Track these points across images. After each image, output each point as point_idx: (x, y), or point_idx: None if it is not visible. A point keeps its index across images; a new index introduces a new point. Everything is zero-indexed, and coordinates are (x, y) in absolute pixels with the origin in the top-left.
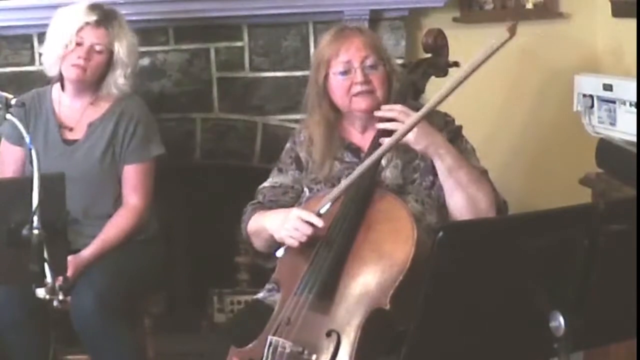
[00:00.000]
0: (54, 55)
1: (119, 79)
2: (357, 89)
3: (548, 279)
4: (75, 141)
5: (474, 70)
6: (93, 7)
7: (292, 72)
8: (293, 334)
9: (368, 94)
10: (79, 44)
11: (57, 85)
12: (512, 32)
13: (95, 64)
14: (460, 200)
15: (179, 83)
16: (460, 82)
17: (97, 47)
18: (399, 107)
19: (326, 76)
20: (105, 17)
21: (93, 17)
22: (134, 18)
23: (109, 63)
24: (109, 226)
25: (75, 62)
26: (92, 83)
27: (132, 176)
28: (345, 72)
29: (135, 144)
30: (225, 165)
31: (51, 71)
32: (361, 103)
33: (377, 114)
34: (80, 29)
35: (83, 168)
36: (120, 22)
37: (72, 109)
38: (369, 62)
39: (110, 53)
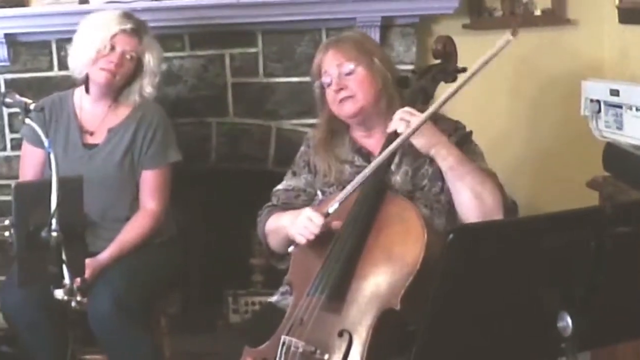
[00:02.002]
0: (86, 57)
1: (146, 87)
2: (338, 96)
3: (556, 280)
4: (95, 145)
5: (477, 71)
6: (127, 16)
7: (306, 77)
8: (306, 333)
9: (349, 99)
10: (112, 49)
11: (80, 89)
12: (514, 33)
13: (124, 70)
14: (466, 200)
15: (194, 88)
16: (465, 83)
17: (128, 55)
18: (406, 108)
19: (322, 88)
20: (138, 27)
21: (128, 25)
22: (151, 25)
23: (136, 71)
24: (127, 229)
25: (106, 67)
26: (116, 88)
27: (149, 181)
28: (330, 84)
29: (154, 150)
30: (240, 168)
31: (79, 73)
32: (344, 109)
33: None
34: (114, 35)
35: (102, 172)
36: (149, 34)
37: (93, 113)
38: (344, 69)
39: (138, 61)
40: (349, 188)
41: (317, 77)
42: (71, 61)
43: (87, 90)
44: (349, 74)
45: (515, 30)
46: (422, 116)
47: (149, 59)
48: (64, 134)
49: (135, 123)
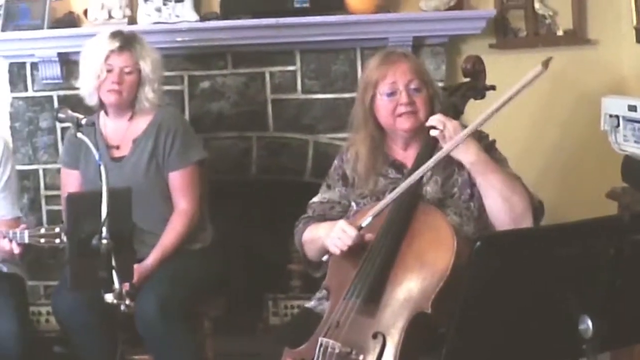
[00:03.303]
0: (90, 86)
1: (148, 94)
2: (401, 109)
3: (577, 285)
4: (122, 158)
5: (509, 100)
6: (114, 35)
7: (341, 94)
8: (342, 335)
9: (411, 114)
10: (109, 71)
11: (101, 112)
12: (546, 65)
13: (129, 85)
14: (497, 204)
15: (236, 104)
16: (497, 110)
17: (126, 69)
18: (438, 115)
19: (373, 97)
20: (126, 42)
21: (116, 44)
22: (195, 44)
23: (139, 81)
24: (165, 233)
25: (111, 88)
26: (130, 102)
27: (177, 182)
28: (391, 94)
29: (176, 151)
30: (279, 180)
31: (91, 101)
32: (405, 123)
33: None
34: (107, 57)
35: (132, 181)
36: (141, 43)
37: (115, 129)
38: (413, 85)
39: (139, 72)
40: (383, 204)
41: (374, 86)
42: (81, 92)
43: (106, 113)
44: (417, 90)
45: (547, 62)
46: (460, 135)
47: (144, 67)
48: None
49: (155, 130)
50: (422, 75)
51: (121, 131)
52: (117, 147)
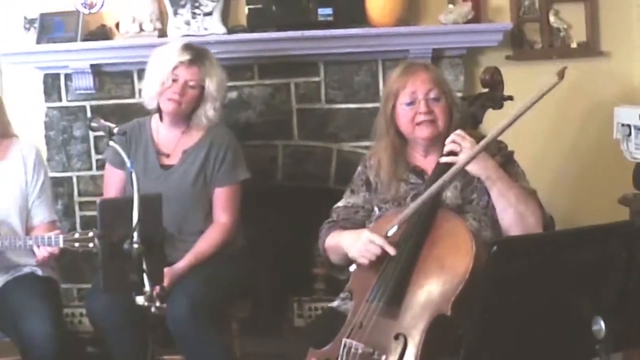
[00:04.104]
0: (153, 91)
1: (209, 111)
2: (420, 118)
3: (590, 287)
4: (171, 166)
5: (527, 109)
6: (186, 47)
7: (363, 104)
8: (365, 336)
9: (430, 123)
10: (174, 81)
11: (156, 116)
12: (561, 76)
13: (189, 98)
14: (510, 218)
15: (262, 114)
16: (515, 119)
17: (191, 83)
18: (458, 131)
19: (394, 106)
20: (197, 57)
21: (186, 57)
22: (223, 56)
23: (201, 97)
24: (201, 241)
25: (171, 97)
26: (186, 114)
27: (222, 197)
28: (411, 103)
29: (225, 169)
30: (303, 186)
31: (150, 105)
32: (424, 131)
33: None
34: (175, 67)
35: (177, 190)
36: (211, 61)
37: (168, 137)
38: (432, 94)
39: (202, 88)
40: (408, 212)
41: (395, 96)
42: (143, 94)
43: (160, 119)
44: (436, 99)
45: (561, 73)
46: (477, 147)
47: (209, 85)
48: (143, 155)
49: (207, 145)
50: (441, 86)
51: (173, 141)
52: (167, 156)
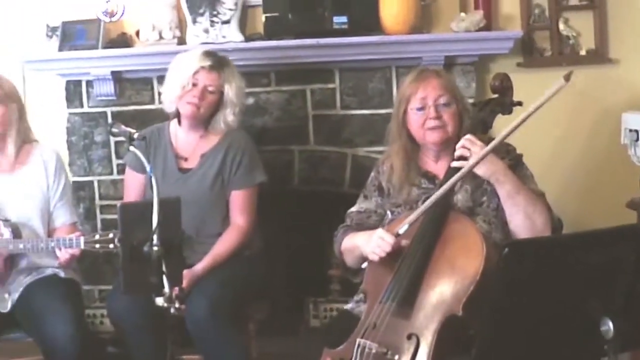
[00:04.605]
0: (173, 94)
1: (228, 117)
2: (430, 123)
3: (599, 289)
4: (189, 170)
5: (535, 111)
6: (208, 54)
7: (377, 110)
8: (378, 336)
9: (440, 128)
10: (194, 85)
11: (174, 121)
12: (567, 79)
13: (208, 103)
14: (519, 220)
15: (279, 119)
16: (524, 121)
17: (210, 88)
18: (467, 136)
19: (405, 111)
20: (218, 63)
21: (207, 62)
22: (241, 63)
23: (220, 102)
24: (219, 243)
25: (191, 101)
26: (205, 119)
27: (239, 200)
28: (422, 108)
29: (242, 172)
30: (319, 190)
31: (169, 108)
32: (433, 136)
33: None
34: (196, 72)
35: (196, 193)
36: (231, 68)
37: (186, 141)
38: (442, 100)
39: (221, 94)
40: (418, 212)
41: (407, 101)
42: (163, 97)
43: (179, 123)
44: (446, 105)
45: (568, 76)
46: (486, 149)
47: (228, 91)
48: (162, 160)
49: (225, 149)
50: (451, 92)
51: (191, 145)
52: (186, 159)
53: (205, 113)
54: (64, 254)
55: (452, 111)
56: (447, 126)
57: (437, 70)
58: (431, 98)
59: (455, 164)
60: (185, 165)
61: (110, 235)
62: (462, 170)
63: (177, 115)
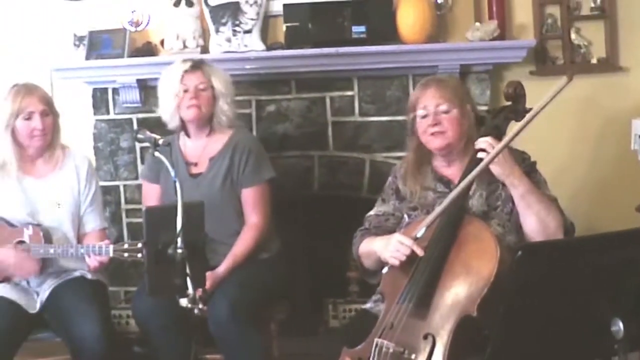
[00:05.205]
0: (170, 107)
1: (223, 107)
2: (430, 130)
3: (609, 290)
4: (199, 174)
5: (544, 107)
6: (184, 60)
7: (395, 117)
8: (395, 336)
9: (439, 134)
10: (186, 91)
11: (181, 133)
12: (570, 78)
13: (205, 100)
14: (532, 223)
15: (299, 126)
16: (532, 118)
17: (201, 86)
18: (487, 138)
19: (413, 119)
20: (196, 63)
21: (187, 65)
22: (262, 71)
23: (214, 97)
24: (237, 244)
25: (190, 104)
26: (207, 118)
27: (249, 198)
28: (424, 116)
29: (249, 170)
30: (338, 195)
31: (172, 123)
32: (434, 142)
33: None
34: (182, 78)
35: (208, 195)
36: (209, 65)
37: (194, 147)
38: (442, 107)
39: (212, 89)
40: (433, 215)
41: (413, 109)
42: (163, 117)
43: (186, 134)
44: (445, 112)
45: (570, 75)
46: (498, 146)
47: (216, 83)
48: (174, 168)
49: (231, 150)
50: (451, 99)
51: (199, 150)
52: (195, 164)
53: (207, 112)
54: (93, 262)
55: (452, 117)
56: (447, 132)
57: (440, 78)
58: (431, 105)
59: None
60: (195, 170)
61: (139, 245)
62: (477, 168)
63: (182, 127)
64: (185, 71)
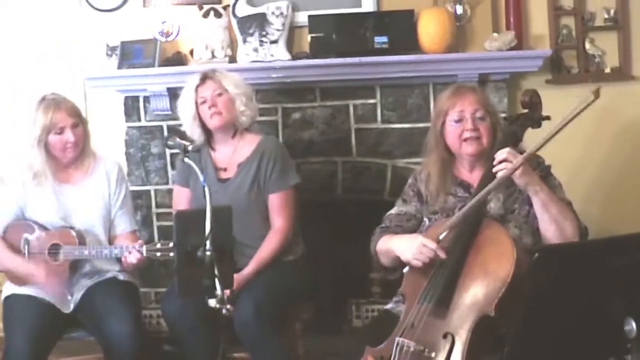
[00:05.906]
0: (194, 122)
1: (241, 107)
2: (467, 134)
3: (623, 291)
4: (227, 179)
5: (566, 125)
6: (195, 75)
7: (416, 124)
8: (416, 335)
9: (475, 140)
10: (203, 102)
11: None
12: (597, 95)
13: (224, 105)
14: (551, 228)
15: (324, 133)
16: (555, 134)
17: (217, 92)
18: (508, 149)
19: (443, 123)
20: (205, 75)
21: (198, 78)
22: (288, 80)
23: (232, 100)
24: (262, 248)
25: (211, 112)
26: (231, 123)
27: (275, 203)
28: (459, 121)
29: (275, 176)
30: (361, 199)
31: (199, 138)
32: (469, 147)
33: (497, 157)
34: (197, 89)
35: (235, 200)
36: (218, 71)
37: (223, 153)
38: (478, 114)
39: (227, 92)
40: (456, 219)
41: (444, 114)
42: (188, 132)
43: (212, 147)
44: (481, 119)
45: (597, 92)
46: (520, 158)
47: (228, 86)
48: (204, 174)
49: (259, 157)
50: (486, 107)
51: (228, 155)
52: (224, 170)
53: (229, 115)
54: (130, 258)
55: (486, 125)
56: (482, 138)
57: (472, 86)
58: (469, 111)
59: (497, 170)
60: (224, 175)
61: (171, 245)
62: (499, 177)
63: (208, 140)
64: (198, 85)
